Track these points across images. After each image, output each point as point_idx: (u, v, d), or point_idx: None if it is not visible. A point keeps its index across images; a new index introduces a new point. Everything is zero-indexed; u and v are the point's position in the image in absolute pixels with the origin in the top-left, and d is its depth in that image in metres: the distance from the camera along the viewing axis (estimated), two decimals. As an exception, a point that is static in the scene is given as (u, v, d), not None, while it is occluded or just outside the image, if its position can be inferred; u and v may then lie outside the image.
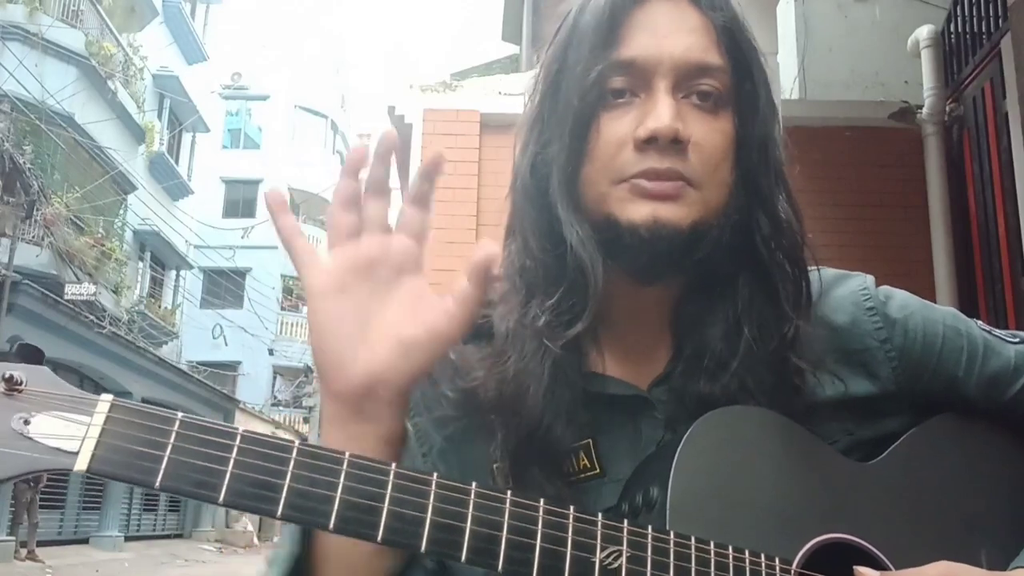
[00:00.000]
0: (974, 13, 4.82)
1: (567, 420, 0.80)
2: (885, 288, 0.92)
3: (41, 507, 13.53)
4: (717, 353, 0.81)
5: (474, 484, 0.66)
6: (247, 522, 22.70)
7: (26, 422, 0.60)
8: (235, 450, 0.62)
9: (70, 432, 0.60)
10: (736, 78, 0.81)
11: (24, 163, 13.94)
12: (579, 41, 0.82)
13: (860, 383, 0.86)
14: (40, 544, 13.52)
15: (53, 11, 16.71)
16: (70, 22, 17.02)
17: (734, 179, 0.81)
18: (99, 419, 0.61)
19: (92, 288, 15.81)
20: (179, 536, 21.13)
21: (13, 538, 13.07)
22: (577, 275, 0.80)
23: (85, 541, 16.41)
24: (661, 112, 0.77)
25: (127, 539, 17.55)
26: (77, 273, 16.00)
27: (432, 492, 0.65)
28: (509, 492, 0.67)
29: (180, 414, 0.63)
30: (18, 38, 15.55)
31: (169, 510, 21.25)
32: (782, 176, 0.85)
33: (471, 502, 0.65)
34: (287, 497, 0.62)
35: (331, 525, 0.62)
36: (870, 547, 0.80)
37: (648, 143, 0.77)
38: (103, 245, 17.36)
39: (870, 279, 0.92)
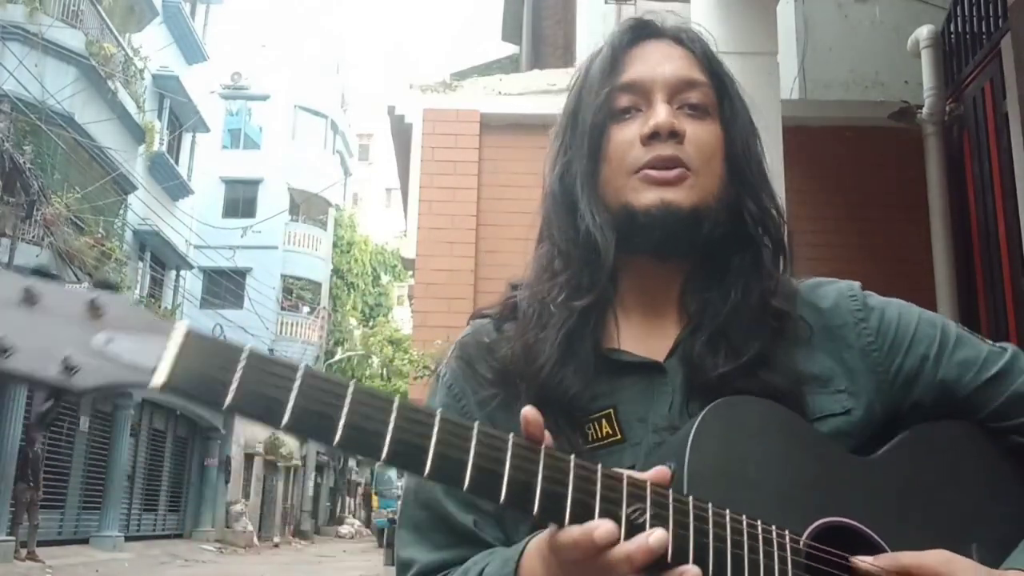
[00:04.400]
0: (974, 13, 4.83)
1: (577, 374, 0.93)
2: (871, 292, 1.04)
3: (41, 507, 13.50)
4: (715, 320, 0.95)
5: (511, 435, 0.71)
6: (247, 522, 22.71)
7: (108, 341, 0.63)
8: (299, 380, 0.66)
9: (148, 351, 0.64)
10: (718, 93, 1.01)
11: (24, 163, 13.94)
12: (590, 82, 1.02)
13: (841, 352, 0.98)
14: (40, 544, 13.51)
15: (53, 11, 16.69)
16: (70, 22, 17.00)
17: (724, 172, 0.99)
18: (176, 340, 0.64)
19: (92, 288, 15.80)
20: (179, 536, 21.12)
21: (13, 538, 13.05)
22: (592, 254, 0.96)
23: (85, 541, 16.40)
24: (660, 113, 0.97)
25: (127, 539, 17.53)
26: (77, 273, 16.00)
27: (474, 438, 0.70)
28: (543, 446, 0.72)
29: (249, 345, 0.67)
30: (18, 38, 15.54)
31: (169, 510, 21.25)
32: (763, 170, 1.04)
33: (509, 450, 0.70)
34: (344, 428, 0.66)
35: (383, 457, 0.67)
36: (870, 532, 0.85)
37: (652, 138, 0.96)
38: (103, 245, 17.34)
39: (857, 284, 1.05)
